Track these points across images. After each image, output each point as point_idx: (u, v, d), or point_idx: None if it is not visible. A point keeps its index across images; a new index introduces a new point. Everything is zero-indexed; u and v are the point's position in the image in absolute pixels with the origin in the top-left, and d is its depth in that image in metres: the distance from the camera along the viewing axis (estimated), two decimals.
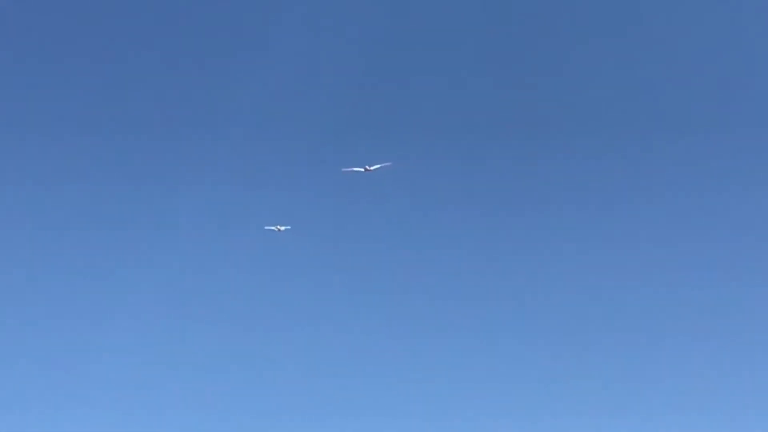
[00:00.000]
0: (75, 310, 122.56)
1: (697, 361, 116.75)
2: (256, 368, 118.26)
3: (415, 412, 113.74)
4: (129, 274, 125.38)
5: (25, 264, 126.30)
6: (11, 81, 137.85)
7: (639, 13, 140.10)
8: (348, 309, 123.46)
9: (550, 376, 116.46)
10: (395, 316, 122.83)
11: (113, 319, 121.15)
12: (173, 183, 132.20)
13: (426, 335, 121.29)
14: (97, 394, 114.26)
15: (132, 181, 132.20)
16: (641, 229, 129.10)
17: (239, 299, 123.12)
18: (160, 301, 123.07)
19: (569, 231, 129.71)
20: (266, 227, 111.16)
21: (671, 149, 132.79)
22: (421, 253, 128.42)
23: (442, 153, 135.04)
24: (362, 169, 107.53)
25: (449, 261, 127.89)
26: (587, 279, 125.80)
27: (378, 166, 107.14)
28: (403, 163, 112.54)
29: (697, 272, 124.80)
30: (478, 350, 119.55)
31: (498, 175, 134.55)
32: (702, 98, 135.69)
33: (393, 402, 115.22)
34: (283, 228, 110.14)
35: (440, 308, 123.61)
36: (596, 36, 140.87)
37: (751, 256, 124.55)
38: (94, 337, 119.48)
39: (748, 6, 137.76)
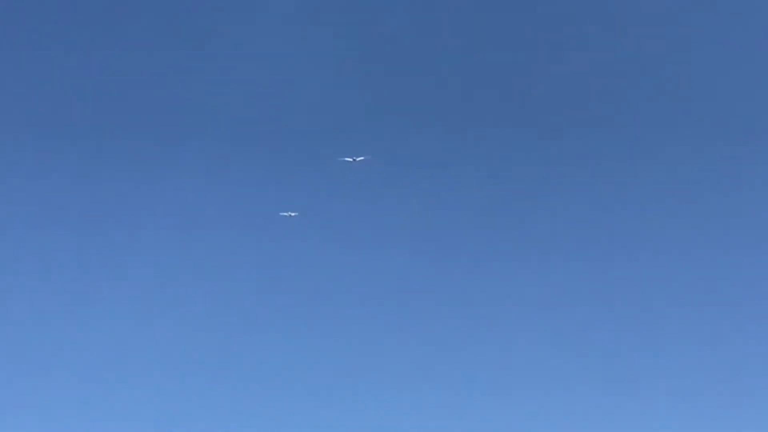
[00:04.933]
0: (81, 306, 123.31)
1: (696, 366, 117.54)
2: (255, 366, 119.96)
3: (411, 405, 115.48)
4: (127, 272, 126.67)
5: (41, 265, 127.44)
6: None
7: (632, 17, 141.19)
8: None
9: (551, 377, 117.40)
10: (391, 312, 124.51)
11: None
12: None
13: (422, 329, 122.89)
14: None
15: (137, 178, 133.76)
16: (641, 230, 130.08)
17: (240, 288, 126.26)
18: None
19: (568, 231, 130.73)
20: (281, 213, 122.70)
21: (671, 151, 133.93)
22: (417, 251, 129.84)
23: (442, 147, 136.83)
24: (351, 159, 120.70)
25: (444, 258, 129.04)
26: (586, 277, 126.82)
27: (361, 158, 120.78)
28: (379, 157, 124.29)
29: (697, 274, 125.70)
30: (476, 342, 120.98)
31: (493, 169, 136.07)
32: (701, 101, 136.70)
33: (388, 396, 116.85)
34: (293, 214, 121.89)
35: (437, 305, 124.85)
36: (596, 37, 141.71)
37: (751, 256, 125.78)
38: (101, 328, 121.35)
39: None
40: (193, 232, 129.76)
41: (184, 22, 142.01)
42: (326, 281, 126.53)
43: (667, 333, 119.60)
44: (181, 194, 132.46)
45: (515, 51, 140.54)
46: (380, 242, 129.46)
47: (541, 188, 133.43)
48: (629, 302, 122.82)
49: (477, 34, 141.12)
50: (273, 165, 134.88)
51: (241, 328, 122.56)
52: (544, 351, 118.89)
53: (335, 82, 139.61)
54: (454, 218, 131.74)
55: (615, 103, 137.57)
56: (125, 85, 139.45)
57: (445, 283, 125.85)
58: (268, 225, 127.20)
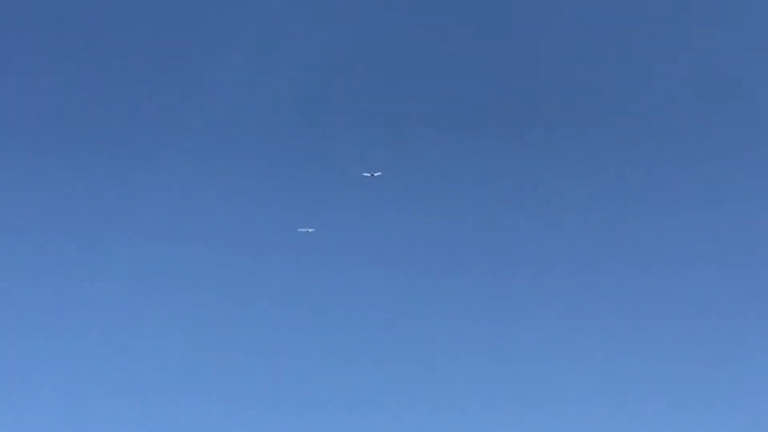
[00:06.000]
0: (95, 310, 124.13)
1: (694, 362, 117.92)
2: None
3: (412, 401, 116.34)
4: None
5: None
6: None
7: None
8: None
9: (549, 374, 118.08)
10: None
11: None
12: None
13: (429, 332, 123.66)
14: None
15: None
16: (640, 229, 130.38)
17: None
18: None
19: (567, 229, 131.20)
20: (299, 229, 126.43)
21: (670, 149, 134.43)
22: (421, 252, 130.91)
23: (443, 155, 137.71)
24: (369, 175, 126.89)
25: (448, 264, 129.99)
26: (587, 275, 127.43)
27: (378, 173, 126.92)
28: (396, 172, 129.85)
29: (696, 272, 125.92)
30: (483, 345, 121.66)
31: (496, 175, 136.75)
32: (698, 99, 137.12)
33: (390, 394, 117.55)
34: (311, 230, 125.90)
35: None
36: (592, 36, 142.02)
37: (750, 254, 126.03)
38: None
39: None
40: (210, 247, 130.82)
41: (203, 38, 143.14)
42: (342, 297, 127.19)
43: (671, 341, 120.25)
44: (198, 210, 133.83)
45: (532, 65, 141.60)
46: (395, 258, 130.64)
47: (556, 202, 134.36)
48: (635, 311, 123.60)
49: (493, 50, 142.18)
50: (291, 179, 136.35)
51: (257, 344, 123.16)
52: (556, 362, 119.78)
53: (354, 97, 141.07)
54: (470, 233, 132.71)
55: (622, 113, 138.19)
56: (142, 98, 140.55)
57: (461, 297, 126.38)
58: (286, 241, 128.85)
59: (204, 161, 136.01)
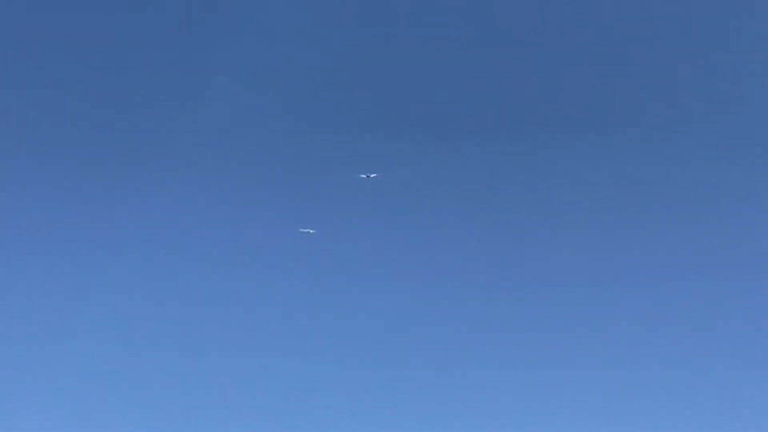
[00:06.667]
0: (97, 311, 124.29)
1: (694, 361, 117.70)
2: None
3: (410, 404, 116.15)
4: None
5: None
6: None
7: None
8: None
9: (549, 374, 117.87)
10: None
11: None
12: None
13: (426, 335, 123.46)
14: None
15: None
16: (640, 228, 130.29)
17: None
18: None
19: (569, 233, 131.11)
20: (300, 230, 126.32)
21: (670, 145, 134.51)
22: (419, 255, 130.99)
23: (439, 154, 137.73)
24: (365, 176, 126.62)
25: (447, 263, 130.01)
26: (585, 278, 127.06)
27: (374, 175, 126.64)
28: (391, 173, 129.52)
29: (696, 270, 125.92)
30: (478, 348, 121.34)
31: (495, 177, 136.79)
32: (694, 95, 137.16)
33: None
34: (312, 231, 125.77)
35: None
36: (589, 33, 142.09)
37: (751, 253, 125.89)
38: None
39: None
40: (212, 248, 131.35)
41: (201, 41, 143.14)
42: (341, 298, 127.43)
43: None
44: (198, 211, 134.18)
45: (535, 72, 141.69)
46: (395, 259, 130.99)
47: (558, 205, 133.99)
48: (642, 316, 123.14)
49: (496, 57, 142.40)
50: (292, 181, 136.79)
51: (257, 345, 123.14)
52: (557, 366, 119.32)
53: (351, 99, 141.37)
54: (469, 234, 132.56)
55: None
56: (141, 101, 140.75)
57: (460, 300, 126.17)
58: (288, 241, 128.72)
59: (203, 164, 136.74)
